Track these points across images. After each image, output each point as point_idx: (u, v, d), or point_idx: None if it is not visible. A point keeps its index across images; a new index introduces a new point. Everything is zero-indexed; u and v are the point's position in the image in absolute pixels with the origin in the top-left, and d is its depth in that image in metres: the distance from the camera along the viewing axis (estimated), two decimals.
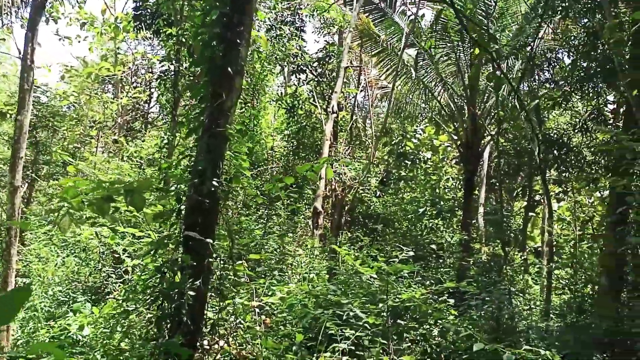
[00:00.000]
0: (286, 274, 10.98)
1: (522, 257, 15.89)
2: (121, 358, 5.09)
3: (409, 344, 5.87)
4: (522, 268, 15.19)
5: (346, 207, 17.21)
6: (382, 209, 16.78)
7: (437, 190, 18.20)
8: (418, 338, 6.32)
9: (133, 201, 3.42)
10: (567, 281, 11.63)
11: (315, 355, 5.35)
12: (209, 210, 4.44)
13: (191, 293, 4.28)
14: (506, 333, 7.61)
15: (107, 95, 24.02)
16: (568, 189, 15.90)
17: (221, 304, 4.83)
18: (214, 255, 4.47)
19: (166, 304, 4.37)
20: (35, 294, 10.01)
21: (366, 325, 5.40)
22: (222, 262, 4.80)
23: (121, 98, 22.99)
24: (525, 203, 19.34)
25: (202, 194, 4.41)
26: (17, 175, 9.29)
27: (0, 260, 9.39)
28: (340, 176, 16.73)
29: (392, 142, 17.61)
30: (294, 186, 15.15)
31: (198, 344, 4.66)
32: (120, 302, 5.20)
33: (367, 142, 19.43)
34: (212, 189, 4.43)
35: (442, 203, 16.42)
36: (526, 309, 10.66)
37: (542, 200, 18.81)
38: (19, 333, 8.85)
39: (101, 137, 23.17)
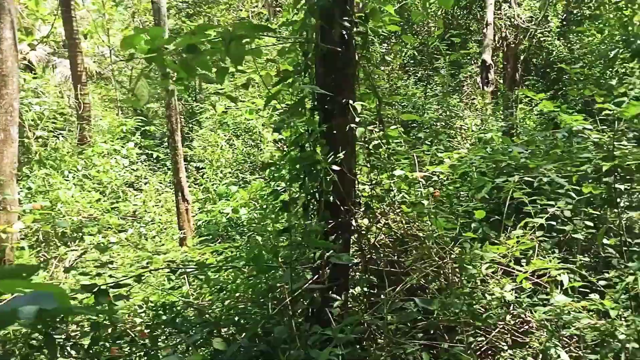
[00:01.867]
0: (455, 139, 9.72)
1: None
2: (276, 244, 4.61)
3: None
4: None
5: (521, 57, 14.85)
6: (567, 53, 14.06)
7: (631, 28, 14.61)
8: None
9: (230, 50, 2.52)
10: None
11: (502, 232, 4.30)
12: (343, 62, 3.39)
13: (335, 167, 3.42)
14: None
15: None
16: None
17: (376, 177, 3.93)
18: (356, 119, 3.48)
19: (307, 182, 3.60)
20: (207, 178, 10.32)
21: (570, 193, 4.13)
22: (369, 127, 3.81)
23: None
24: None
25: (332, 41, 3.35)
26: None
27: (169, 147, 9.66)
28: (512, 20, 14.18)
29: None
30: (454, 40, 13.22)
31: (354, 223, 3.89)
32: (267, 182, 4.60)
33: None
34: (344, 33, 3.33)
35: (638, 42, 13.13)
36: None
37: None
38: (198, 214, 9.10)
39: None
